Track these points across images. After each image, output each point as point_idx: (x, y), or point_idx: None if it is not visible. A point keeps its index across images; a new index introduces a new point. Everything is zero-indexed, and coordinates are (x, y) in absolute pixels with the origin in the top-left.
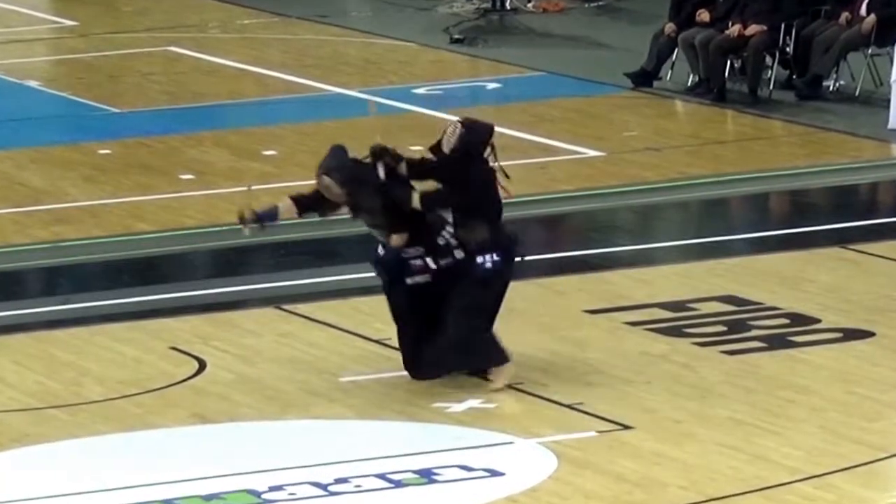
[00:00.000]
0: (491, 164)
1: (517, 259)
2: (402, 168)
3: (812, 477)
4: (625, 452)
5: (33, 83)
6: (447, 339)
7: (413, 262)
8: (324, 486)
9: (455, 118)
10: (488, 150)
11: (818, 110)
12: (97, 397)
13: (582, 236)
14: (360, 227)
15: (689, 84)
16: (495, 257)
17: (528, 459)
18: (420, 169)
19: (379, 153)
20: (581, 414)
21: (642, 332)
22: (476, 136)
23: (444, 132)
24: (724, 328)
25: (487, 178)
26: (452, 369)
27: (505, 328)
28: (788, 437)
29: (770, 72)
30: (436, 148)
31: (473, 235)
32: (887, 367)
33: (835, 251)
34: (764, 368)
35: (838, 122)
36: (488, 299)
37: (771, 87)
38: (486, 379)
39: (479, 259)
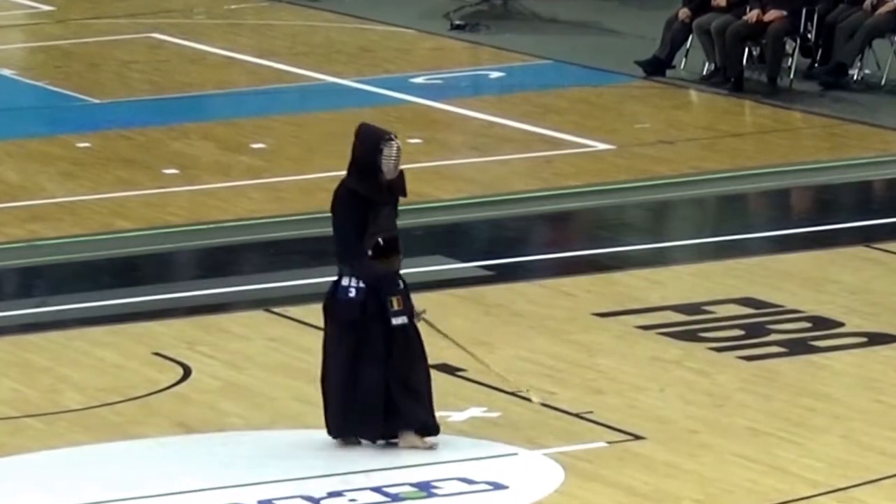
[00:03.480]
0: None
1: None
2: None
3: (835, 490)
4: (636, 464)
5: (8, 72)
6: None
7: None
8: (316, 501)
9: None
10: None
11: (841, 100)
12: (76, 405)
13: (590, 235)
14: None
15: (704, 73)
16: (361, 284)
17: (534, 472)
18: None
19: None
20: (590, 423)
21: (655, 337)
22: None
23: (396, 161)
24: (742, 332)
25: None
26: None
27: (509, 332)
28: (810, 448)
29: (790, 60)
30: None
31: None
32: None
33: (859, 250)
34: (784, 375)
35: (863, 113)
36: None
37: (791, 76)
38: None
39: (345, 282)
